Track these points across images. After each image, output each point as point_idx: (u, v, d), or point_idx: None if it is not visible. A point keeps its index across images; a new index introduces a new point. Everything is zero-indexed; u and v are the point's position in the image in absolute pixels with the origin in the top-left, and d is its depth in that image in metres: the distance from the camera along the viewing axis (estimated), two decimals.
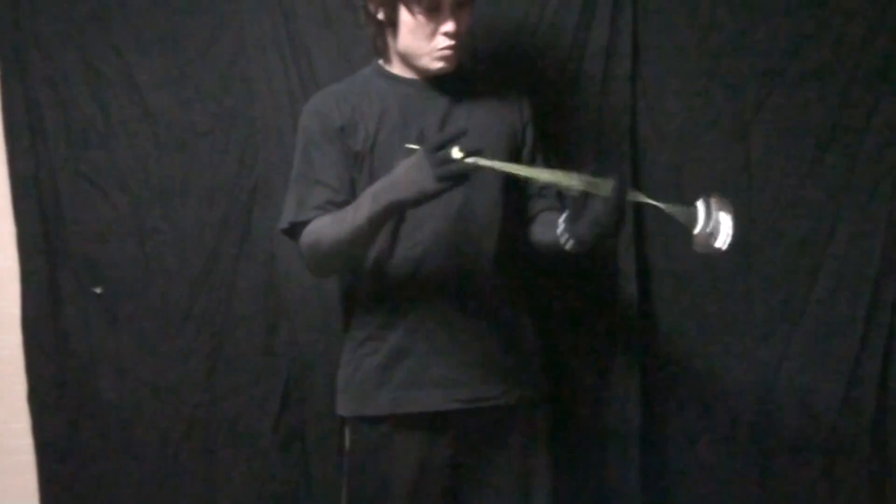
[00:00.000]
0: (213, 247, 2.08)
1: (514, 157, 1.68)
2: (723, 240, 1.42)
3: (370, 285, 1.66)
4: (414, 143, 1.53)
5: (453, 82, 1.66)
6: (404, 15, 1.58)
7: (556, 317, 1.98)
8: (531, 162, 1.71)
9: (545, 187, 1.69)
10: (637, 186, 1.99)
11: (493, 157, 1.47)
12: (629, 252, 1.98)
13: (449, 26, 1.57)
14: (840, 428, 1.99)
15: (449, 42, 1.59)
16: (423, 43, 1.59)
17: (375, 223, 1.50)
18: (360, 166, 1.63)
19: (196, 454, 2.12)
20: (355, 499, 1.70)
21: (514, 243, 1.69)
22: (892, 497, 2.00)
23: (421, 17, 1.57)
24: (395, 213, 1.52)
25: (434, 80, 1.65)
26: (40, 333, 2.13)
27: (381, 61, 1.70)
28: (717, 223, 1.42)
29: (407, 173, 1.43)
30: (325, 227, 1.57)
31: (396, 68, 1.67)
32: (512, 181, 1.64)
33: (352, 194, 1.61)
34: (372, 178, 1.60)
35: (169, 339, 2.10)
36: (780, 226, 1.98)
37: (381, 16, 1.62)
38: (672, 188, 1.99)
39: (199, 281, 2.08)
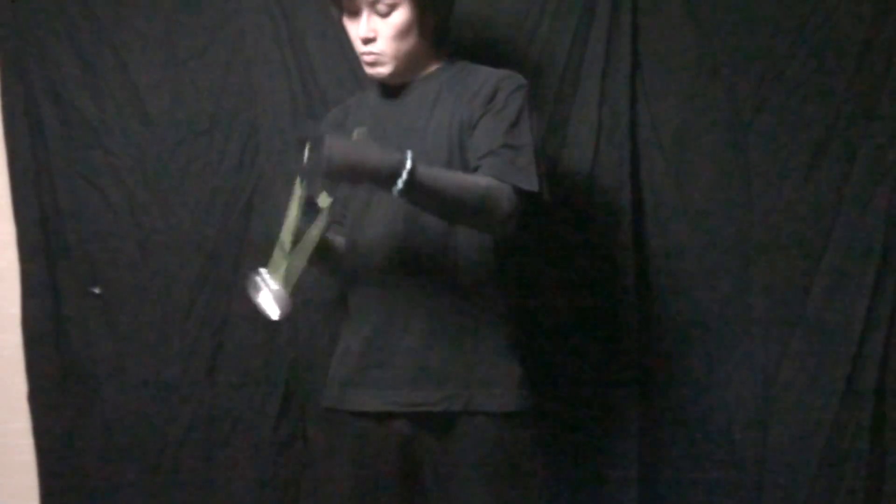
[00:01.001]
0: (212, 247, 2.08)
1: (461, 153, 1.60)
2: (274, 312, 1.48)
3: (345, 284, 1.70)
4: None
5: (436, 83, 1.65)
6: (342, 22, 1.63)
7: (554, 318, 1.98)
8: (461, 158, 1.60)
9: (480, 158, 1.57)
10: (637, 186, 2.00)
11: (437, 157, 1.53)
12: (628, 252, 1.99)
13: (360, 31, 1.59)
14: (839, 428, 1.98)
15: (365, 48, 1.60)
16: (355, 47, 1.63)
17: None
18: None
19: (196, 454, 2.12)
20: (312, 486, 1.73)
21: (480, 249, 1.60)
22: (890, 497, 2.00)
23: (346, 21, 1.61)
24: None
25: (403, 88, 1.66)
26: (40, 333, 2.13)
27: None
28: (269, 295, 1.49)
29: None
30: None
31: None
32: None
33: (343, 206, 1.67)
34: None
35: (169, 339, 2.10)
36: (779, 225, 1.98)
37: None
38: (672, 188, 1.99)
39: (199, 281, 2.08)
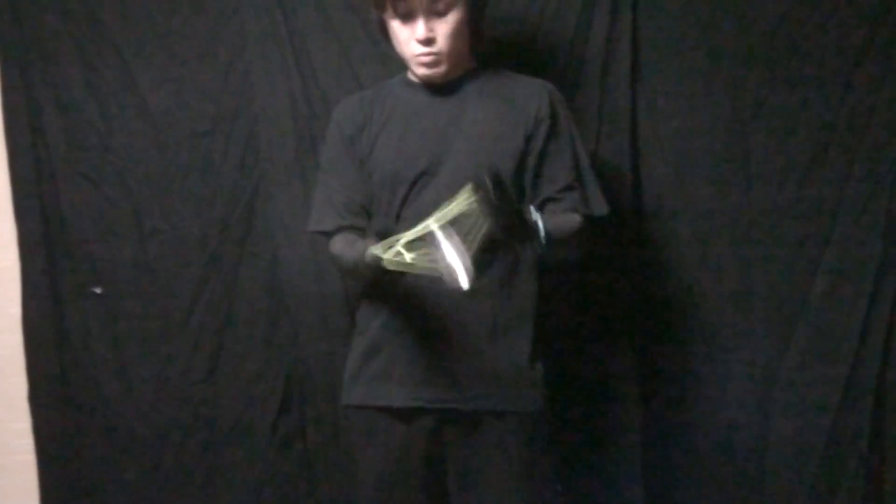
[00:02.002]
0: (214, 247, 2.08)
1: (513, 164, 1.64)
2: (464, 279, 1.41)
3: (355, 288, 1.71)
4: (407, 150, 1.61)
5: (471, 86, 1.67)
6: (386, 23, 1.62)
7: (556, 318, 1.98)
8: (539, 165, 1.66)
9: (558, 192, 1.66)
10: (637, 187, 2.00)
11: (485, 163, 1.51)
12: (630, 252, 1.99)
13: (419, 33, 1.58)
14: (839, 428, 1.99)
15: (423, 49, 1.60)
16: (405, 49, 1.62)
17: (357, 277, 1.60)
18: (363, 170, 1.67)
19: (197, 454, 2.12)
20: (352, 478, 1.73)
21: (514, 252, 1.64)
22: (890, 496, 2.00)
23: (397, 26, 1.60)
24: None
25: (445, 85, 1.66)
26: (41, 333, 2.13)
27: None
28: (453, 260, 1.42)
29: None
30: (339, 251, 1.64)
31: (412, 74, 1.69)
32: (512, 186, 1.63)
33: (368, 200, 1.68)
34: (372, 180, 1.65)
35: (170, 339, 2.10)
36: (779, 225, 1.98)
37: (377, 23, 1.66)
38: (672, 188, 1.99)
39: (201, 281, 2.09)
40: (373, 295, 1.67)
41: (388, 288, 1.59)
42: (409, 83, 1.70)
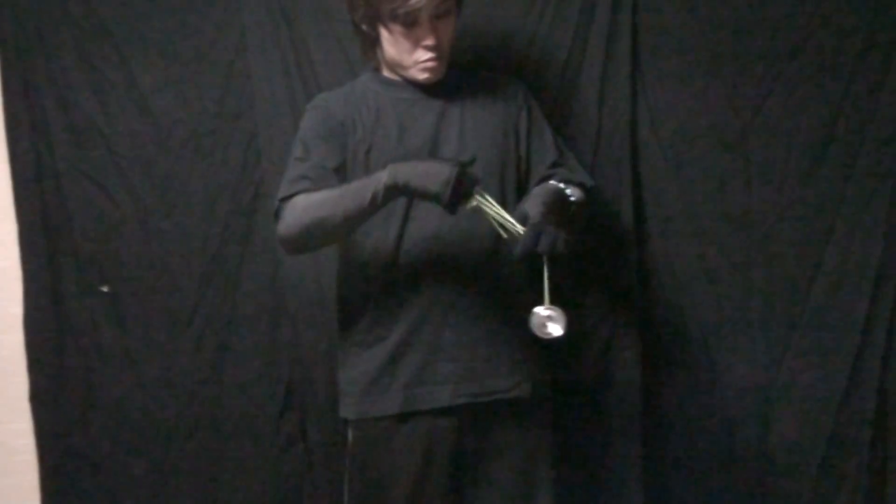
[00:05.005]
0: (217, 247, 2.08)
1: (509, 155, 1.70)
2: (559, 328, 1.51)
3: (372, 285, 1.66)
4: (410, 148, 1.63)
5: (449, 83, 1.68)
6: (384, 30, 1.61)
7: None
8: (528, 150, 1.72)
9: (548, 168, 1.72)
10: (637, 186, 2.00)
11: (484, 156, 1.61)
12: (630, 252, 1.99)
13: (428, 40, 1.59)
14: (840, 427, 1.99)
15: (430, 54, 1.60)
16: (406, 55, 1.62)
17: (381, 200, 1.51)
18: (355, 167, 1.64)
19: (199, 454, 2.12)
20: (358, 496, 1.71)
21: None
22: (891, 496, 2.00)
23: (399, 32, 1.59)
24: (401, 196, 1.54)
25: (426, 87, 1.66)
26: (42, 333, 2.13)
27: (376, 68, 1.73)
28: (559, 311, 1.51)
29: (435, 171, 1.47)
30: (318, 198, 1.56)
31: (391, 74, 1.69)
32: (511, 176, 1.69)
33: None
34: None
35: (172, 338, 2.10)
36: (779, 226, 1.99)
37: (365, 29, 1.65)
38: (672, 188, 1.99)
39: (204, 281, 2.09)
40: (389, 299, 1.65)
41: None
42: (389, 81, 1.69)
